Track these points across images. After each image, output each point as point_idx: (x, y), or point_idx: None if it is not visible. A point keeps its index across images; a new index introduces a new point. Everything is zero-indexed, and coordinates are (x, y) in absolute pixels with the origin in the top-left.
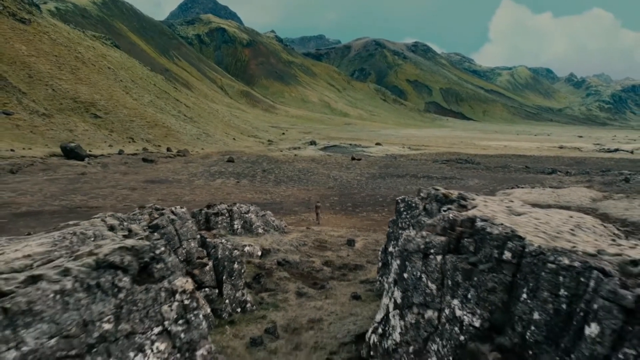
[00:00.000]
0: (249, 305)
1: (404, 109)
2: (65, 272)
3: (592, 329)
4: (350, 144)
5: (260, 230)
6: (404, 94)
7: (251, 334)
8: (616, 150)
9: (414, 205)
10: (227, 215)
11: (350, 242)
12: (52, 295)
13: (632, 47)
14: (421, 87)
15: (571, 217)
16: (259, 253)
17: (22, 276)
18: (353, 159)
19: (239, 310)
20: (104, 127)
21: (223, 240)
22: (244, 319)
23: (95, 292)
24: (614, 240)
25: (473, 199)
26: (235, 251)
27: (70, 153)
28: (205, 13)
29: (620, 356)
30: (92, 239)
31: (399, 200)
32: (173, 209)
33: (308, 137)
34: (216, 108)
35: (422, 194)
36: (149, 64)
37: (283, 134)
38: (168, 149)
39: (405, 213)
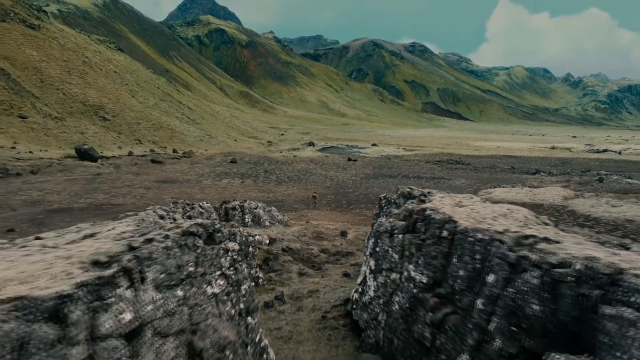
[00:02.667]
0: (260, 280)
1: (401, 109)
2: (166, 237)
3: (490, 278)
4: (347, 145)
5: (267, 223)
6: (401, 94)
7: (264, 300)
8: (605, 150)
9: (392, 200)
10: (239, 210)
11: (343, 234)
12: (160, 249)
13: (628, 46)
14: (418, 87)
15: (509, 209)
16: (267, 241)
17: (141, 238)
18: (349, 159)
19: (253, 284)
20: (112, 129)
21: (240, 229)
22: (257, 291)
23: (184, 248)
24: (526, 224)
25: (433, 196)
26: (250, 237)
27: (84, 155)
28: (204, 14)
29: (506, 293)
30: (153, 223)
31: (381, 197)
32: (201, 204)
33: (306, 137)
34: (217, 109)
35: (398, 192)
36: (149, 65)
37: (282, 134)
38: (174, 151)
39: (385, 207)
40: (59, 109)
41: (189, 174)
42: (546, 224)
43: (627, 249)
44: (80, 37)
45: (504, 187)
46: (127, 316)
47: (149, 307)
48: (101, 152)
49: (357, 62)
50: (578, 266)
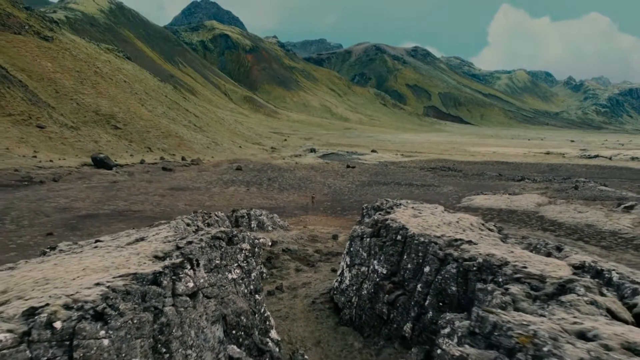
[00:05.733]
0: (264, 275)
1: (403, 114)
2: (201, 240)
3: (427, 269)
4: (347, 152)
5: (269, 228)
6: (403, 98)
7: (267, 289)
8: (596, 156)
9: (368, 210)
10: (246, 217)
11: (335, 237)
12: (198, 248)
13: (629, 50)
14: (420, 91)
15: (459, 218)
16: (269, 243)
17: (184, 241)
18: (348, 166)
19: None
20: (123, 137)
21: (248, 233)
22: (261, 282)
23: (213, 247)
24: (464, 231)
25: (398, 207)
26: (256, 240)
27: (100, 163)
28: (208, 18)
29: (436, 279)
30: (184, 230)
31: (364, 207)
32: (216, 213)
33: (308, 143)
34: (222, 115)
35: (376, 204)
36: (155, 71)
37: (285, 140)
38: (183, 158)
39: (366, 216)
40: (73, 118)
41: (198, 182)
42: (490, 229)
43: (561, 250)
44: (91, 47)
45: (485, 194)
46: (190, 284)
47: (202, 280)
48: (115, 160)
49: (360, 67)
50: (480, 260)
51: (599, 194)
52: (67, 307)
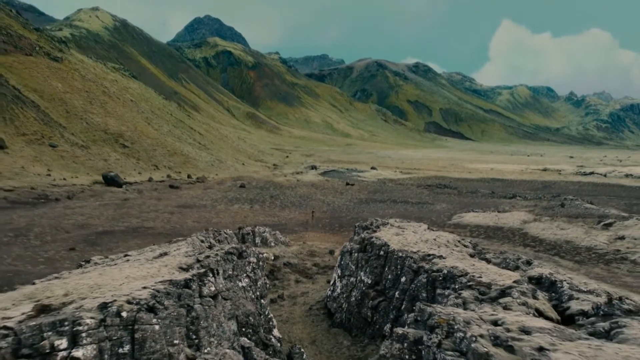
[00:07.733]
0: (267, 285)
1: (404, 129)
2: (217, 254)
3: (403, 279)
4: (347, 169)
5: (272, 244)
6: (404, 114)
7: (270, 298)
8: (591, 173)
9: (359, 228)
10: (251, 234)
11: (332, 252)
12: (214, 261)
13: (630, 66)
14: (421, 107)
15: (437, 236)
16: (272, 257)
17: (203, 255)
18: (347, 184)
19: (264, 281)
20: (131, 156)
21: (253, 248)
22: (266, 290)
23: (226, 261)
24: (439, 246)
25: (385, 226)
26: (260, 255)
27: (111, 181)
28: (211, 34)
29: (412, 287)
30: (199, 245)
31: (356, 225)
32: (225, 231)
33: (310, 160)
34: (225, 133)
35: (364, 223)
36: (159, 88)
37: (287, 157)
38: (189, 176)
39: (357, 233)
40: (84, 137)
41: (204, 199)
42: (465, 245)
43: (530, 264)
44: (98, 67)
45: (476, 211)
46: (212, 288)
47: (220, 285)
48: (124, 178)
49: (361, 83)
50: (445, 271)
51: (583, 212)
52: (129, 302)
